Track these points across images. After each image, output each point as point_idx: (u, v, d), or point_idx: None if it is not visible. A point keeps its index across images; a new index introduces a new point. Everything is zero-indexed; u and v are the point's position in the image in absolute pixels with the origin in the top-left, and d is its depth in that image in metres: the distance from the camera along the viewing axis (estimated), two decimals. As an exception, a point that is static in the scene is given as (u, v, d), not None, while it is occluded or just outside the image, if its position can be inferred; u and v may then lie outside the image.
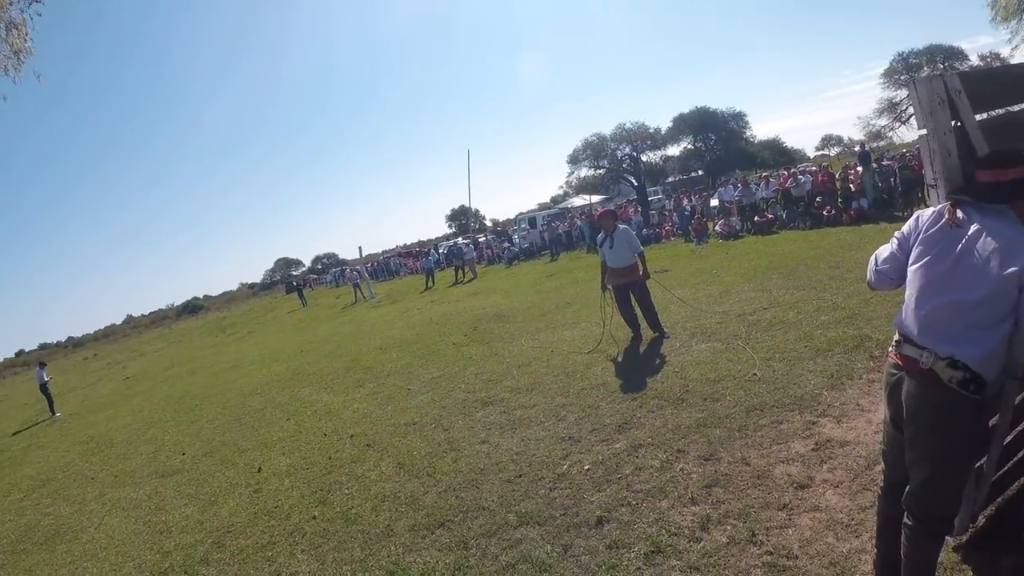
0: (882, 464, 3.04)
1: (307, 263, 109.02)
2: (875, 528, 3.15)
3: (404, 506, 5.29)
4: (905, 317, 2.73)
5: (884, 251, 2.91)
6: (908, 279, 2.75)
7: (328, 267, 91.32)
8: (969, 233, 2.51)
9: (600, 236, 9.30)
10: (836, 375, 5.92)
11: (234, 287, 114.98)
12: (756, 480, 4.37)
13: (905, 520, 2.75)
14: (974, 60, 46.08)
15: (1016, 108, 3.31)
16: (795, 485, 4.18)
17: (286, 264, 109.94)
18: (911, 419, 2.66)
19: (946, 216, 2.61)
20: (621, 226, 9.18)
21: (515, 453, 5.83)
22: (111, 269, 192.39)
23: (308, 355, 16.17)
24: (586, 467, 5.18)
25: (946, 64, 47.24)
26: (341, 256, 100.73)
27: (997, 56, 29.76)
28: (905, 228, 2.82)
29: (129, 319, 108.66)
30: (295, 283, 60.02)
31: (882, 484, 3.05)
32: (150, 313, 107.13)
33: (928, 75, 3.07)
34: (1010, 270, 2.37)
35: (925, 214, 2.75)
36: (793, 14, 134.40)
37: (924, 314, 2.63)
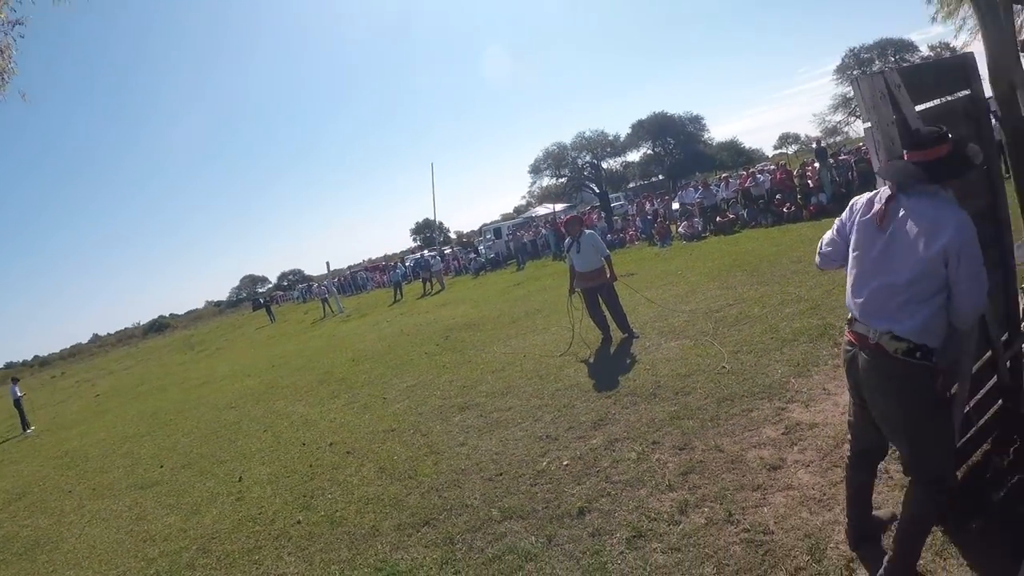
0: (849, 434, 3.22)
1: (273, 280, 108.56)
2: (845, 498, 3.31)
3: (388, 507, 5.36)
4: (848, 299, 2.95)
5: (827, 236, 3.16)
6: (848, 263, 2.95)
7: (294, 283, 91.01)
8: (897, 218, 2.69)
9: (567, 242, 9.46)
10: (802, 363, 6.15)
11: (200, 305, 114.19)
12: (730, 465, 4.54)
13: (910, 483, 2.89)
14: (924, 51, 47.45)
15: (952, 98, 3.52)
16: (768, 467, 4.35)
17: (252, 281, 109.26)
18: (871, 392, 2.85)
19: (875, 210, 2.80)
20: (587, 231, 9.36)
21: (494, 453, 5.93)
22: (75, 288, 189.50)
23: (280, 369, 16.16)
24: (565, 463, 5.30)
25: (897, 57, 48.62)
26: (307, 272, 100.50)
27: (947, 46, 30.58)
28: (844, 214, 3.03)
29: (95, 338, 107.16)
30: (262, 300, 59.56)
31: (849, 454, 3.23)
32: (116, 332, 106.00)
33: (870, 72, 3.26)
34: (933, 250, 2.55)
35: (860, 200, 2.95)
36: (745, 15, 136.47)
37: (862, 299, 2.84)
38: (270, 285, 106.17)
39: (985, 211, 3.59)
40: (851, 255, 2.92)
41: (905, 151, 2.77)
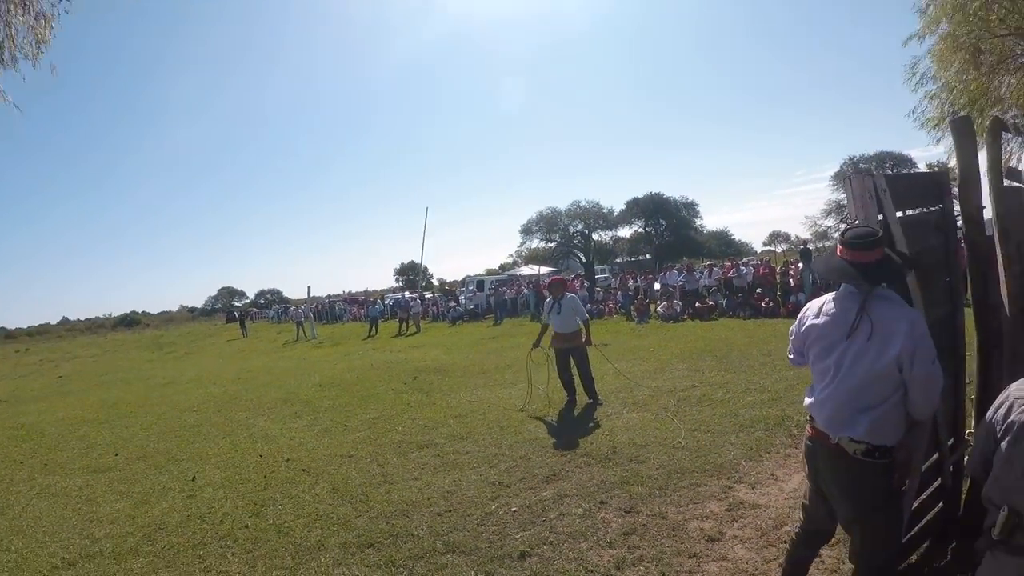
0: (801, 514, 3.35)
1: (251, 295, 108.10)
2: (782, 572, 3.47)
3: (336, 526, 5.45)
4: (807, 400, 3.08)
5: (790, 342, 3.29)
6: (811, 367, 3.08)
7: (271, 302, 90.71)
8: (851, 323, 2.78)
9: (548, 301, 9.69)
10: (755, 448, 6.39)
11: (174, 308, 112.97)
12: (671, 531, 4.71)
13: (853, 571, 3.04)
14: (922, 168, 48.95)
15: (926, 210, 3.83)
16: (707, 538, 4.53)
17: (229, 293, 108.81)
18: (829, 485, 2.97)
19: (831, 313, 2.92)
20: (569, 294, 9.62)
21: (446, 491, 6.05)
22: (52, 269, 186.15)
23: (246, 382, 16.13)
24: (513, 509, 5.44)
25: (895, 170, 50.10)
26: (285, 293, 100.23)
27: (944, 165, 31.71)
28: (794, 325, 3.20)
29: (65, 321, 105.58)
30: (237, 313, 59.16)
31: (798, 530, 3.37)
32: (86, 319, 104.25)
33: (861, 173, 3.53)
34: (888, 357, 2.66)
35: (813, 306, 3.08)
36: (754, 112, 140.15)
37: (819, 401, 2.94)
38: (247, 300, 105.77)
39: (944, 319, 3.85)
40: (811, 360, 3.04)
41: (842, 248, 2.86)
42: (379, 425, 9.16)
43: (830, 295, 2.99)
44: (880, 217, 3.34)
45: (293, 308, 51.11)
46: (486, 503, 5.64)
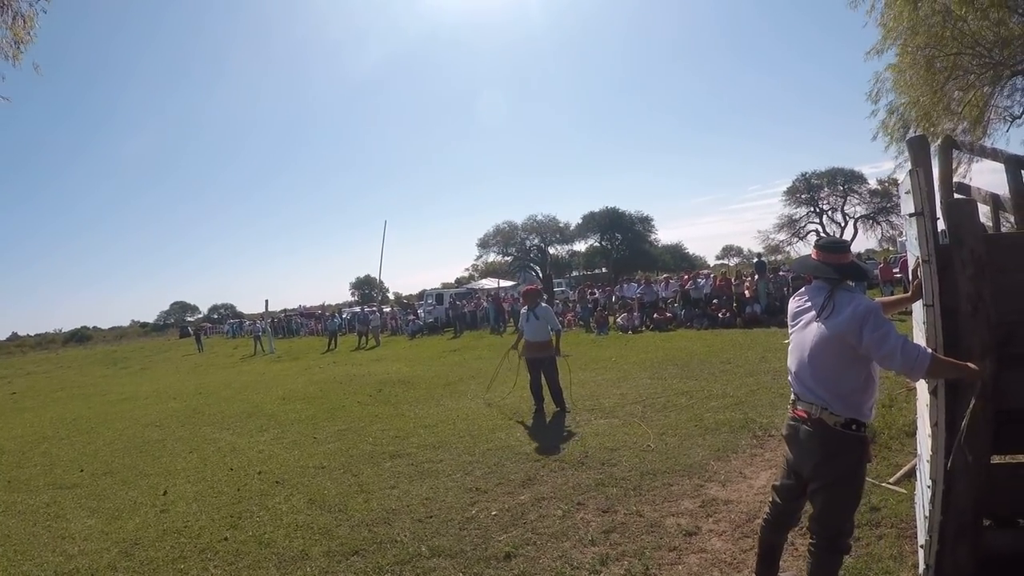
0: (773, 496, 3.62)
1: (203, 310, 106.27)
2: (756, 558, 3.69)
3: (318, 535, 5.49)
4: (789, 377, 3.50)
5: None
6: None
7: (225, 317, 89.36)
8: (821, 305, 3.27)
9: (524, 311, 9.88)
10: (723, 449, 6.65)
11: (125, 323, 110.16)
12: (649, 528, 4.90)
13: (810, 543, 3.33)
14: (873, 184, 50.68)
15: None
16: (684, 532, 4.73)
17: (182, 308, 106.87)
18: (809, 457, 3.28)
19: (804, 305, 3.46)
20: (543, 305, 9.83)
21: (425, 498, 6.14)
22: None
23: (207, 397, 15.95)
24: (493, 513, 5.56)
25: (845, 187, 51.76)
26: (239, 308, 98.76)
27: (895, 181, 32.68)
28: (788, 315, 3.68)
29: (15, 336, 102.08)
30: (191, 328, 58.06)
31: (768, 515, 3.64)
32: (36, 335, 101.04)
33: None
34: (834, 328, 3.14)
35: (795, 299, 3.59)
36: (708, 128, 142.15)
37: (793, 375, 3.43)
38: (200, 315, 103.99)
39: None
40: (791, 337, 3.53)
41: (818, 251, 3.42)
42: (348, 436, 9.20)
43: (804, 288, 3.54)
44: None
45: (249, 322, 50.44)
46: (466, 508, 5.75)
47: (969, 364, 3.12)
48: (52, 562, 5.61)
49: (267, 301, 35.89)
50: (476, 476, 6.68)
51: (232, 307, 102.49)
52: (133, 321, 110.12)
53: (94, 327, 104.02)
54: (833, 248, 3.40)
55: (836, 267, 3.30)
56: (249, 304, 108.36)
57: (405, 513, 5.79)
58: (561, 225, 56.67)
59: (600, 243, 58.70)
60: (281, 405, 12.94)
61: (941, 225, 4.10)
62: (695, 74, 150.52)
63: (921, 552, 3.73)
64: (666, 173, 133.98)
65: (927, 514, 3.54)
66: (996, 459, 3.73)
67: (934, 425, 3.45)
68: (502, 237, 55.20)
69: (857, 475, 3.24)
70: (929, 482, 3.51)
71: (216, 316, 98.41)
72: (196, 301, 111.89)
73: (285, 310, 64.48)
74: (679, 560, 4.32)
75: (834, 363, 3.20)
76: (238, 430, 10.78)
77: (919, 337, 3.70)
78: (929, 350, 3.08)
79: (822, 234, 54.69)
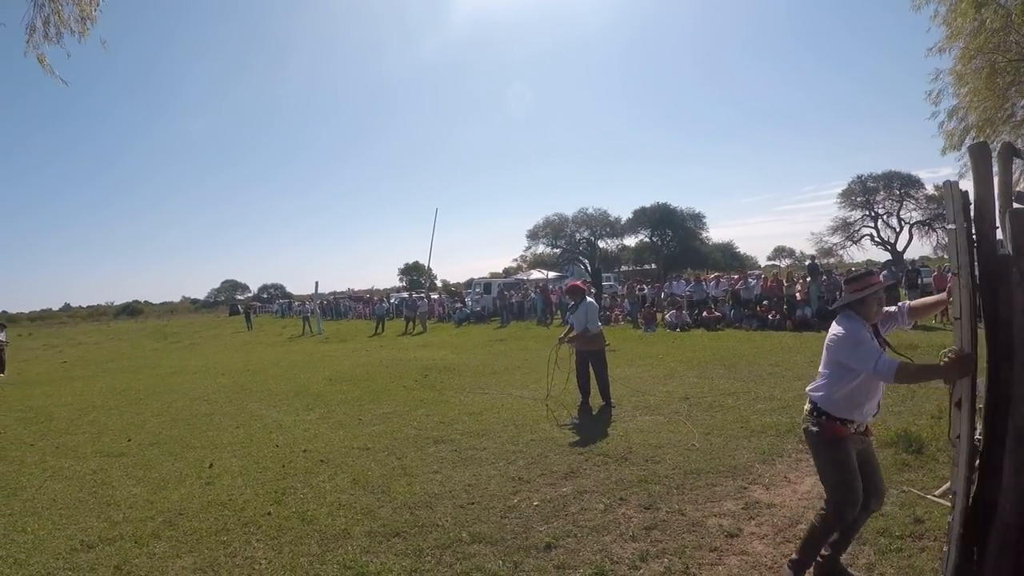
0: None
1: (254, 290, 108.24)
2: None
3: (360, 515, 5.58)
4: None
5: None
6: None
7: (274, 297, 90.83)
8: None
9: (571, 304, 9.94)
10: (768, 452, 6.58)
11: (176, 299, 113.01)
12: (691, 527, 4.88)
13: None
14: (929, 189, 49.49)
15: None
16: (725, 534, 4.71)
17: (233, 287, 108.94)
18: None
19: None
20: (589, 300, 9.83)
21: (467, 485, 6.20)
22: (56, 254, 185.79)
23: (255, 375, 16.26)
24: (535, 503, 5.60)
25: (901, 191, 50.50)
26: (288, 289, 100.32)
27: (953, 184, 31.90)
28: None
29: (67, 307, 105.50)
30: (241, 307, 59.15)
31: None
32: (88, 307, 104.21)
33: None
34: (828, 346, 3.81)
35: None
36: (765, 128, 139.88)
37: None
38: (250, 294, 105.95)
39: None
40: None
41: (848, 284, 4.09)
42: (393, 420, 9.32)
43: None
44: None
45: (299, 303, 51.22)
46: (508, 497, 5.79)
47: (943, 364, 3.45)
48: (97, 527, 5.77)
49: (317, 283, 36.37)
50: (519, 466, 6.72)
51: (282, 287, 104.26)
52: (184, 297, 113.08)
53: (146, 301, 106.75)
54: (851, 280, 4.09)
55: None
56: (298, 285, 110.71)
57: (447, 498, 5.85)
58: (611, 219, 56.41)
59: (650, 239, 58.23)
60: (328, 386, 13.15)
61: (999, 234, 4.04)
62: (761, 67, 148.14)
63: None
64: (718, 172, 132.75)
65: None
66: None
67: (956, 437, 3.48)
68: (552, 229, 55.12)
69: (832, 467, 3.79)
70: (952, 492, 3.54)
71: (266, 296, 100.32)
72: (247, 280, 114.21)
73: (334, 292, 65.16)
74: (719, 561, 4.31)
75: (828, 373, 3.87)
76: (285, 408, 10.98)
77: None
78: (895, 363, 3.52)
79: (876, 239, 53.46)
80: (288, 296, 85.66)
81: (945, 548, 3.59)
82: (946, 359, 3.45)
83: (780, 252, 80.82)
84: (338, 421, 9.55)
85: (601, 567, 4.32)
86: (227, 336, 36.73)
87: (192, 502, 6.26)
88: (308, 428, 9.22)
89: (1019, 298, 3.41)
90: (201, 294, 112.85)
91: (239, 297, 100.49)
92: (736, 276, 26.22)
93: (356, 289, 65.26)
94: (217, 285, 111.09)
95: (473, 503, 5.70)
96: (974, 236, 4.44)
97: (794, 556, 3.94)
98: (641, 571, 4.25)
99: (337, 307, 50.77)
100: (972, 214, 4.44)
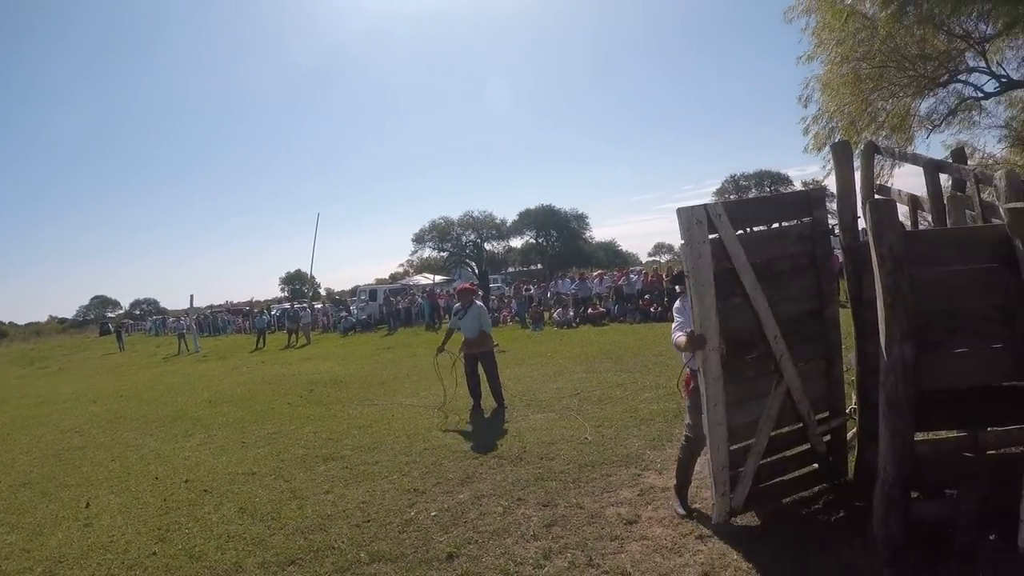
0: None
1: (125, 306, 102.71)
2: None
3: (251, 546, 5.31)
4: None
5: None
6: None
7: (148, 313, 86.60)
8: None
9: (457, 307, 9.88)
10: (658, 439, 6.79)
11: (43, 318, 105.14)
12: (590, 519, 4.93)
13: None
14: (798, 186, 53.01)
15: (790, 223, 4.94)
16: (624, 521, 4.80)
17: (103, 303, 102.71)
18: None
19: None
20: (478, 303, 9.84)
21: (361, 502, 6.01)
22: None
23: (130, 400, 15.35)
24: (432, 514, 5.48)
25: (772, 188, 53.61)
26: (162, 304, 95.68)
27: (818, 183, 34.39)
28: None
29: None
30: (112, 325, 55.62)
31: None
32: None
33: (690, 206, 4.52)
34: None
35: None
36: (643, 128, 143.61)
37: None
38: (121, 311, 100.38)
39: (814, 312, 4.84)
40: None
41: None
42: (279, 440, 8.97)
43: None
44: (714, 236, 4.49)
45: (173, 319, 48.87)
46: (404, 510, 5.65)
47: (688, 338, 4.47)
48: (-31, 585, 5.31)
49: (192, 296, 34.90)
50: (413, 477, 6.58)
51: (155, 302, 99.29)
52: (51, 316, 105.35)
53: (10, 323, 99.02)
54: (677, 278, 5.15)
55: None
56: (173, 300, 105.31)
57: (341, 518, 5.66)
58: (497, 221, 56.66)
59: (536, 240, 58.92)
60: (207, 408, 12.57)
61: (862, 224, 4.36)
62: (632, 75, 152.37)
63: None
64: (600, 172, 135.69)
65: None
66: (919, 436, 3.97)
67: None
68: (438, 232, 54.84)
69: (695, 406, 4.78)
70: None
71: (138, 312, 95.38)
72: (118, 296, 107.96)
73: (211, 306, 62.15)
74: (621, 549, 4.37)
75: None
76: (163, 435, 10.39)
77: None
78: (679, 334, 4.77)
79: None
80: (162, 312, 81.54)
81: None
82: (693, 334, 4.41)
83: (660, 248, 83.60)
84: (220, 446, 9.10)
85: (506, 570, 4.29)
86: (98, 358, 34.48)
87: (71, 547, 5.81)
88: (189, 456, 8.74)
89: (883, 279, 3.66)
90: (69, 312, 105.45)
91: (110, 315, 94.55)
92: (618, 273, 26.86)
93: (235, 302, 62.70)
94: (86, 302, 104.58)
95: (369, 520, 5.53)
96: (835, 226, 4.93)
97: (674, 482, 4.94)
98: (546, 569, 4.23)
99: (215, 322, 48.57)
100: (836, 205, 4.99)
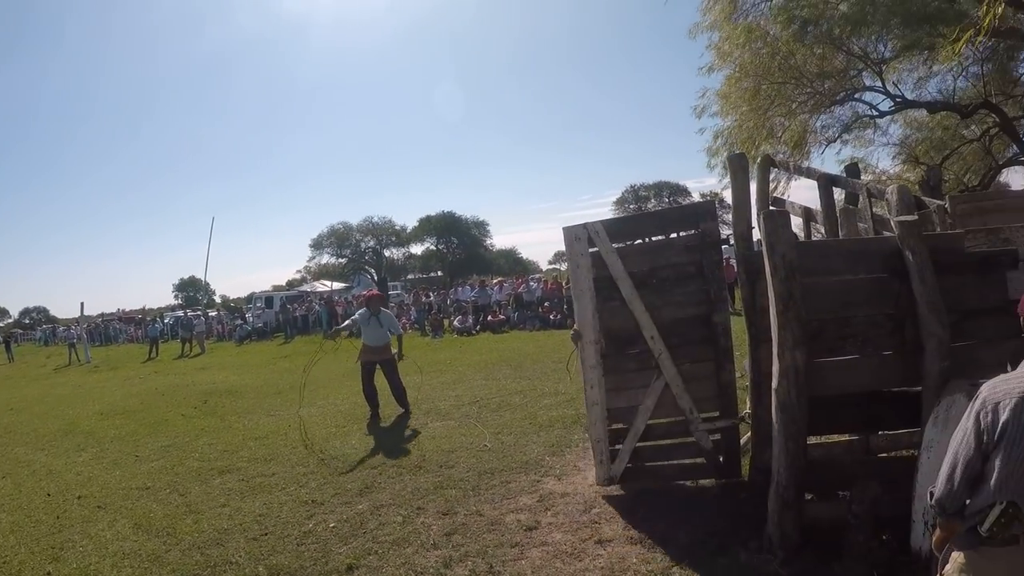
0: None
1: (14, 314, 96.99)
2: None
3: (147, 563, 5.16)
4: None
5: None
6: None
7: (38, 322, 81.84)
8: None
9: (364, 312, 9.68)
10: (557, 445, 6.94)
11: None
12: (490, 527, 5.01)
13: None
14: (696, 197, 55.18)
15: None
16: (524, 528, 4.90)
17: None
18: None
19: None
20: (385, 310, 9.84)
21: (258, 515, 5.92)
22: None
23: (19, 414, 14.57)
24: (331, 525, 5.46)
25: (671, 198, 55.56)
26: (52, 312, 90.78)
27: (716, 195, 35.93)
28: None
29: None
30: (1, 336, 52.29)
31: None
32: None
33: (571, 225, 5.33)
34: None
35: None
36: (548, 137, 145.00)
37: None
38: (9, 320, 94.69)
39: (701, 317, 5.18)
40: None
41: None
42: (173, 453, 8.70)
43: None
44: (593, 249, 5.33)
45: (64, 329, 46.46)
46: (302, 522, 5.60)
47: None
48: None
49: (83, 304, 33.11)
50: (311, 488, 6.52)
51: (45, 311, 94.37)
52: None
53: None
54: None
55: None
56: (64, 308, 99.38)
57: (239, 532, 5.56)
58: (397, 228, 56.45)
59: (436, 247, 58.93)
60: (99, 421, 12.06)
61: (757, 234, 4.59)
62: (532, 87, 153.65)
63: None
64: (503, 178, 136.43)
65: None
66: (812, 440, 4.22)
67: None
68: (336, 238, 54.17)
69: None
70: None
71: (28, 321, 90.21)
72: (6, 304, 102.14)
73: (102, 315, 59.29)
74: (521, 555, 4.46)
75: None
76: (54, 450, 9.92)
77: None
78: None
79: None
80: (53, 321, 77.27)
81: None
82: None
83: (560, 256, 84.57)
84: (113, 460, 8.76)
85: (406, 580, 4.30)
86: (-16, 371, 32.35)
87: (-40, 571, 5.53)
88: (81, 471, 8.38)
89: (776, 287, 3.85)
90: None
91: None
92: (518, 280, 27.17)
93: (127, 310, 60.07)
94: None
95: (267, 534, 5.45)
96: (730, 236, 5.28)
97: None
98: (446, 577, 4.28)
99: (106, 331, 46.33)
100: (731, 216, 5.31)
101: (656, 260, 5.34)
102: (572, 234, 5.37)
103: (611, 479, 5.40)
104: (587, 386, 5.41)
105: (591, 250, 5.33)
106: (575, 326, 5.47)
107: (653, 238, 5.68)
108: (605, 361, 5.38)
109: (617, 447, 5.40)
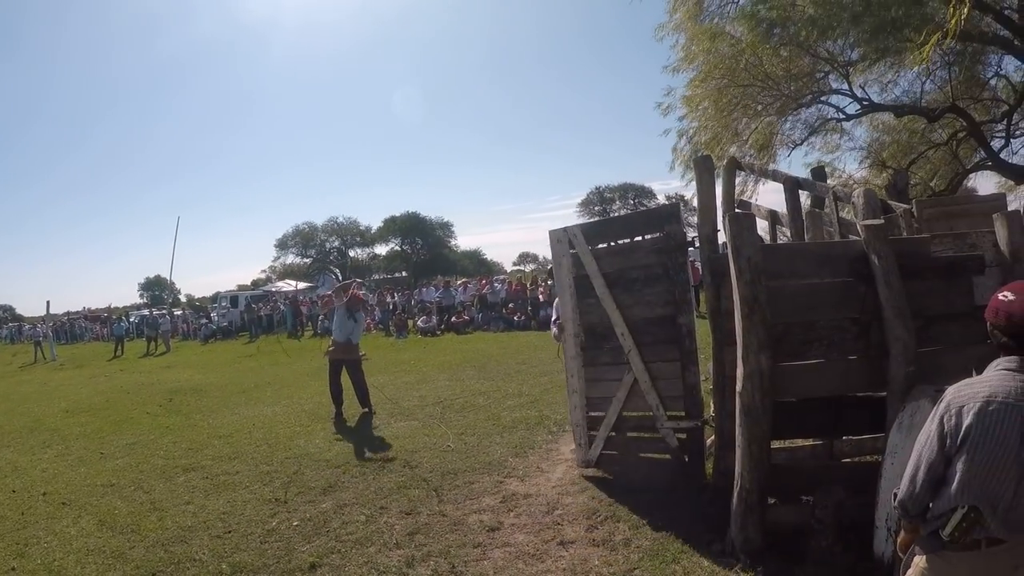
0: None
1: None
2: None
3: (111, 559, 5.17)
4: None
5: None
6: None
7: (3, 320, 79.85)
8: None
9: (342, 310, 9.61)
10: (520, 446, 7.04)
11: None
12: (453, 527, 5.09)
13: None
14: (661, 199, 55.62)
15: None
16: (487, 528, 4.98)
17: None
18: None
19: None
20: (361, 313, 9.92)
21: (222, 513, 5.94)
22: None
23: (-17, 411, 14.28)
24: (295, 523, 5.51)
25: (636, 200, 56.00)
26: (18, 311, 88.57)
27: (682, 197, 36.40)
28: None
29: None
30: None
31: None
32: None
33: (556, 228, 5.86)
34: None
35: None
36: (515, 138, 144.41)
37: None
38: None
39: (667, 317, 5.38)
40: None
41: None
42: (138, 451, 8.67)
43: None
44: (573, 251, 5.89)
45: (29, 327, 45.51)
46: (266, 520, 5.64)
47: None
48: None
49: (48, 303, 32.69)
50: (275, 486, 6.55)
51: (11, 309, 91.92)
52: None
53: None
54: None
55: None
56: (29, 306, 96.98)
57: (202, 530, 5.58)
58: (362, 228, 56.25)
59: (401, 247, 58.82)
60: (65, 418, 11.96)
61: (722, 237, 4.69)
62: (501, 87, 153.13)
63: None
64: (469, 185, 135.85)
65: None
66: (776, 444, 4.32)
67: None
68: (301, 238, 53.90)
69: None
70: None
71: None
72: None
73: (68, 313, 58.29)
74: (484, 556, 4.54)
75: None
76: (19, 447, 9.81)
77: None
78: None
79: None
80: (18, 319, 75.41)
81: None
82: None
83: (525, 258, 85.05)
84: (78, 457, 8.69)
85: (368, 579, 4.37)
86: (-53, 369, 31.60)
87: (-75, 569, 5.47)
88: (46, 468, 8.31)
89: (741, 290, 3.90)
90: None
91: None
92: (483, 281, 27.24)
93: (92, 308, 58.87)
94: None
95: (230, 531, 5.48)
96: (695, 238, 5.46)
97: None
98: (409, 576, 4.35)
99: (72, 329, 45.68)
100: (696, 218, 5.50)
101: (626, 261, 5.66)
102: (556, 236, 6.02)
103: (588, 462, 5.95)
104: (568, 375, 6.11)
105: (571, 251, 5.91)
106: (559, 320, 6.13)
107: (624, 240, 5.93)
108: (584, 353, 5.99)
109: (594, 433, 5.91)
